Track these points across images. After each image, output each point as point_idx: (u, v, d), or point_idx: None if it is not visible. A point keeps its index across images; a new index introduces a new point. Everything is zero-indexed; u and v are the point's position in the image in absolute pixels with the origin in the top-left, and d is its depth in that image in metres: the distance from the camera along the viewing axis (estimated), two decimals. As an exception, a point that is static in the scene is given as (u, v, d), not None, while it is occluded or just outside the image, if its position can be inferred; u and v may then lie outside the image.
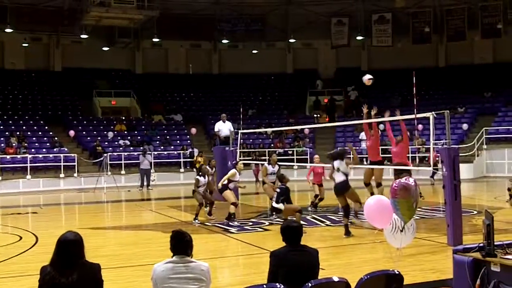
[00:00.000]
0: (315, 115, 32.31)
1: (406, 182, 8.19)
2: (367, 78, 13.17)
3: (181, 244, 4.65)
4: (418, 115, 11.11)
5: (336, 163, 10.99)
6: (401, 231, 8.23)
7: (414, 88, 11.23)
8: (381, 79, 33.28)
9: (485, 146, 26.31)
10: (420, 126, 25.08)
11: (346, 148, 15.67)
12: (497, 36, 31.43)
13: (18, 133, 26.85)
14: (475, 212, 13.91)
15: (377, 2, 33.32)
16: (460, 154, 11.93)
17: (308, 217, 13.49)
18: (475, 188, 21.63)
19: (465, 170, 22.96)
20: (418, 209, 10.29)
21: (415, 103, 11.14)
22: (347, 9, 33.71)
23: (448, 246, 9.32)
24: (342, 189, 10.94)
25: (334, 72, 35.68)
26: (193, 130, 29.01)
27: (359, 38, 33.94)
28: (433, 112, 10.26)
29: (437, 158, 11.69)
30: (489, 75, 31.41)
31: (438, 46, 33.77)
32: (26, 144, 25.97)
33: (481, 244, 5.76)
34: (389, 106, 30.48)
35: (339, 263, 8.63)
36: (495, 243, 5.69)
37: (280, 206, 11.31)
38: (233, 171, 14.20)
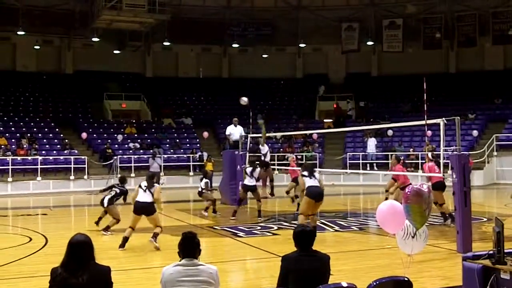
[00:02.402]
0: (324, 120, 32.31)
1: (419, 188, 8.14)
2: (244, 100, 17.09)
3: (190, 247, 4.66)
4: (429, 121, 11.05)
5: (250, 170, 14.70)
6: (413, 237, 8.19)
7: (425, 94, 11.17)
8: (391, 85, 33.41)
9: (495, 153, 26.16)
10: (429, 132, 24.98)
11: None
12: (508, 43, 31.28)
13: (29, 134, 26.99)
14: (485, 219, 13.84)
15: (388, 8, 33.25)
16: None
17: (317, 222, 13.46)
18: (485, 195, 21.49)
19: (475, 177, 22.89)
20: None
21: (425, 109, 11.09)
22: (358, 14, 33.63)
23: (458, 253, 9.27)
24: (249, 188, 14.61)
25: (344, 77, 35.64)
26: (205, 134, 29.02)
27: (369, 43, 33.86)
28: (443, 118, 10.22)
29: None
30: (500, 81, 31.24)
31: (448, 52, 33.62)
32: (36, 146, 26.09)
33: (491, 252, 5.72)
34: (399, 111, 30.73)
35: (348, 268, 8.60)
36: (505, 251, 5.66)
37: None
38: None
